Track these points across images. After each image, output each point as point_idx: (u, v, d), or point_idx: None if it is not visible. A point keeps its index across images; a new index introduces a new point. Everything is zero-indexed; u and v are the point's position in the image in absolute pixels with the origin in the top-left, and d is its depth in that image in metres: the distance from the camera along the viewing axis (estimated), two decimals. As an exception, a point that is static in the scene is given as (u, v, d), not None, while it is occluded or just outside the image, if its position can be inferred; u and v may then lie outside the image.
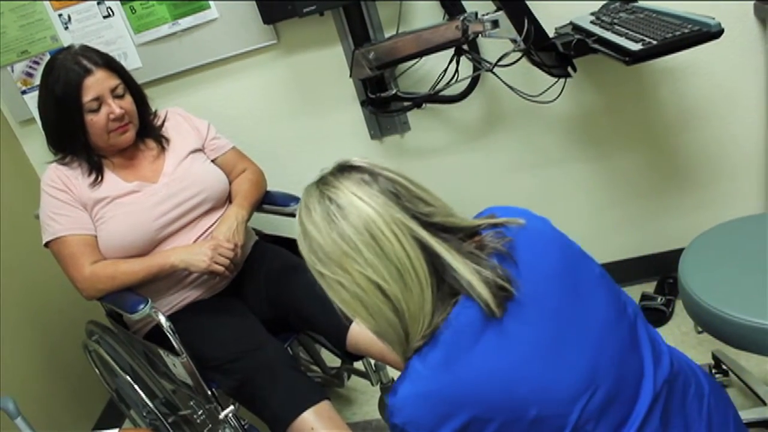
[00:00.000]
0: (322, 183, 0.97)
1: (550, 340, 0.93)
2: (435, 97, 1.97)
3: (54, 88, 1.63)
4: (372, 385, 1.92)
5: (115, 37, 2.08)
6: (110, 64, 1.69)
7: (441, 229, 0.94)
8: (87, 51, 1.68)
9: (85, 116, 1.65)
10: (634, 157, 2.09)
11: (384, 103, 2.02)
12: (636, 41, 1.45)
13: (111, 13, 2.05)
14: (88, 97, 1.63)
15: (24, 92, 2.19)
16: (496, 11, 1.68)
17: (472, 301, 0.90)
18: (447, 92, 1.95)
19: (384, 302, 0.91)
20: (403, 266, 0.90)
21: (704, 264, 1.48)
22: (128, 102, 1.71)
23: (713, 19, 1.40)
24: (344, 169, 0.97)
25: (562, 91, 1.83)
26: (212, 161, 1.89)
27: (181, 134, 1.86)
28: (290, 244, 1.94)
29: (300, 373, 1.64)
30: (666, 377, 0.99)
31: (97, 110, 1.65)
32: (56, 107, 1.66)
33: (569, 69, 1.74)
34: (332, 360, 2.14)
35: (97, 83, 1.64)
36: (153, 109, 1.86)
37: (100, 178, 1.72)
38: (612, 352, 0.96)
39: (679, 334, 2.06)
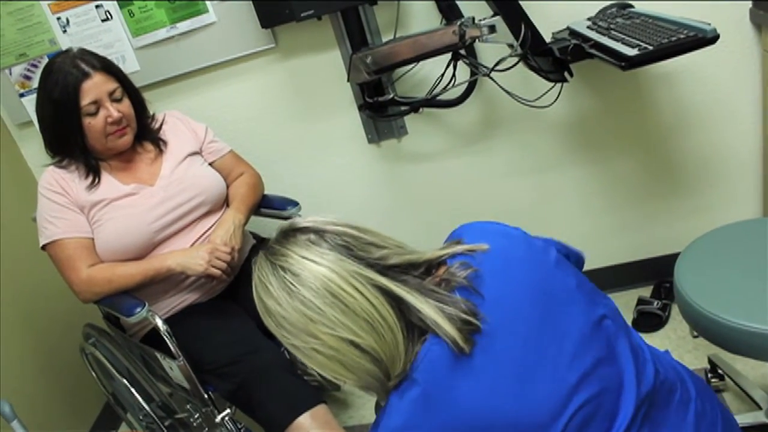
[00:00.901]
0: (271, 254, 0.95)
1: (522, 366, 0.92)
2: (432, 102, 1.98)
3: (52, 92, 1.64)
4: (368, 388, 1.92)
5: (113, 40, 2.08)
6: (108, 68, 1.69)
7: (399, 271, 0.93)
8: (85, 54, 1.68)
9: (82, 119, 1.65)
10: (631, 161, 2.10)
11: (381, 107, 2.02)
12: (632, 46, 1.45)
13: (109, 16, 2.06)
14: (86, 100, 1.63)
15: (22, 95, 2.19)
16: (493, 16, 1.69)
17: (440, 338, 0.90)
18: (444, 97, 1.95)
19: (361, 356, 0.90)
20: (372, 317, 0.89)
21: (700, 268, 1.48)
22: (126, 105, 1.71)
23: (709, 24, 1.40)
24: (288, 234, 0.96)
25: (558, 95, 1.84)
26: (210, 164, 1.89)
27: (178, 137, 1.86)
28: (287, 248, 1.94)
29: (296, 377, 1.64)
30: (649, 388, 0.98)
31: (95, 114, 1.66)
32: (54, 110, 1.66)
33: (566, 74, 1.74)
34: (329, 363, 2.14)
35: (95, 87, 1.64)
36: (151, 113, 1.86)
37: (97, 181, 1.72)
38: (588, 368, 0.94)
39: (675, 339, 2.06)
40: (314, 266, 0.91)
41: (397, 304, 0.91)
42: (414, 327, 0.92)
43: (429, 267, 0.97)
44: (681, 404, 1.02)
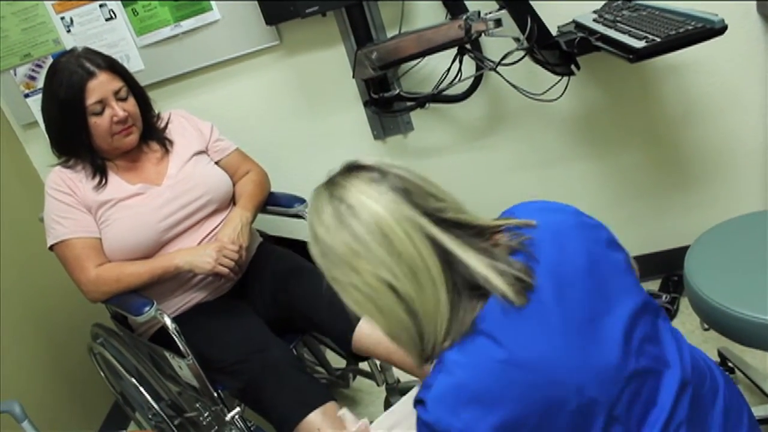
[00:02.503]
0: (331, 184, 0.96)
1: (579, 329, 0.92)
2: (438, 97, 1.97)
3: (57, 91, 1.63)
4: (377, 385, 1.92)
5: (117, 39, 2.08)
6: (113, 67, 1.69)
7: (453, 225, 0.93)
8: (90, 54, 1.68)
9: (88, 119, 1.65)
10: (638, 154, 2.09)
11: (387, 103, 2.01)
12: (639, 39, 1.45)
13: (113, 15, 2.05)
14: (91, 99, 1.63)
15: (27, 95, 2.19)
16: (498, 10, 1.68)
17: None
18: (450, 92, 1.94)
19: (396, 302, 0.90)
20: (416, 264, 0.89)
21: (710, 261, 1.48)
22: (131, 104, 1.71)
23: (716, 15, 1.40)
24: (352, 168, 0.97)
25: (565, 89, 1.83)
26: (216, 163, 1.89)
27: (184, 136, 1.86)
28: (295, 246, 1.94)
29: (306, 374, 1.64)
30: (689, 372, 0.99)
31: (100, 113, 1.65)
32: (60, 110, 1.66)
33: (573, 67, 1.74)
34: (337, 361, 2.14)
35: (101, 86, 1.64)
36: (156, 112, 1.86)
37: (104, 181, 1.72)
38: (637, 341, 0.95)
39: (685, 332, 2.02)
40: (371, 203, 0.91)
41: (445, 257, 0.91)
42: (464, 284, 0.91)
43: (482, 231, 0.96)
44: (711, 393, 1.02)
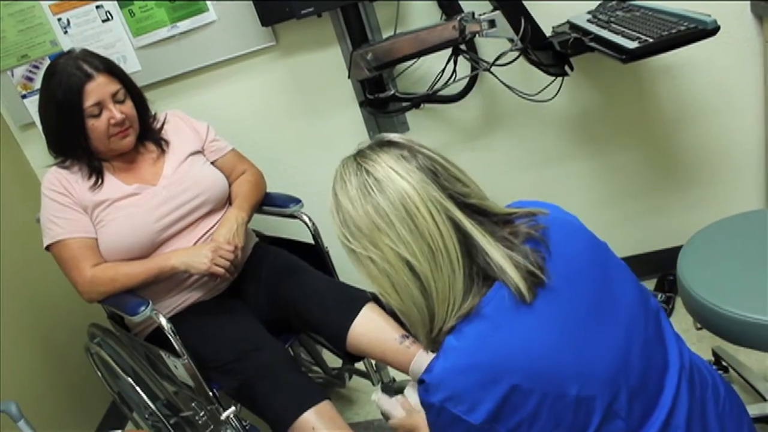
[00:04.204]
0: (360, 156, 0.96)
1: (583, 323, 0.93)
2: (433, 97, 1.98)
3: (55, 93, 1.64)
4: (373, 385, 1.92)
5: (114, 40, 2.09)
6: (111, 69, 1.69)
7: (476, 212, 0.94)
8: (88, 56, 1.68)
9: (86, 121, 1.65)
10: (632, 154, 2.10)
11: (383, 103, 2.02)
12: (632, 39, 1.45)
13: (110, 16, 2.06)
14: (89, 102, 1.63)
15: (24, 96, 2.20)
16: (493, 11, 1.69)
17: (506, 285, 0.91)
18: (445, 92, 1.95)
19: (412, 280, 0.91)
20: (436, 245, 0.90)
21: (703, 261, 1.48)
22: (129, 107, 1.72)
23: (709, 16, 1.40)
24: (383, 144, 0.97)
25: (559, 89, 1.84)
26: (212, 163, 1.89)
27: (180, 137, 1.86)
28: (290, 246, 1.94)
29: (301, 374, 1.64)
30: (688, 364, 1.00)
31: (98, 115, 1.66)
32: (57, 112, 1.66)
33: (566, 68, 1.74)
34: (333, 360, 2.14)
35: (98, 88, 1.64)
36: (152, 112, 1.86)
37: (100, 181, 1.72)
38: (640, 339, 0.96)
39: (679, 331, 2.03)
40: (398, 179, 0.92)
41: (466, 241, 0.92)
42: (479, 271, 0.92)
43: (502, 219, 0.98)
44: (712, 399, 1.02)
